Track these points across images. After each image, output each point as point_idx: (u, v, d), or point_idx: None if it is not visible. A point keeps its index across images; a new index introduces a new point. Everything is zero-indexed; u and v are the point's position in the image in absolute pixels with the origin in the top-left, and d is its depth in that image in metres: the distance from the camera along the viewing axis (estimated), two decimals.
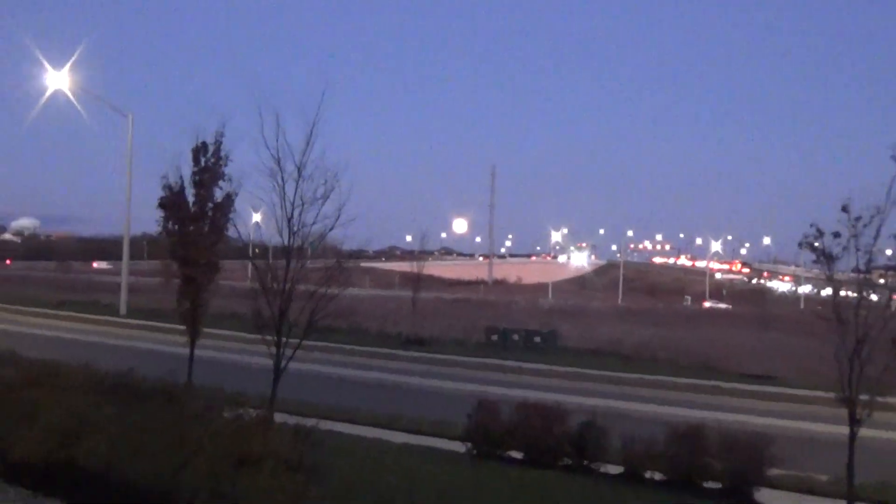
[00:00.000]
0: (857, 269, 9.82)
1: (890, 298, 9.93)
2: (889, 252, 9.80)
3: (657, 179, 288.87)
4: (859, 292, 9.77)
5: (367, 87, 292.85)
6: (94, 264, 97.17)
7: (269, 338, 11.12)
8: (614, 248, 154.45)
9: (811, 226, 10.06)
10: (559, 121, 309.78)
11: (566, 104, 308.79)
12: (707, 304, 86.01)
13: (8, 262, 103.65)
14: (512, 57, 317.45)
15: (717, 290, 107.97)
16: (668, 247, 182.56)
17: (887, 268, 9.95)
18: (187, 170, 13.08)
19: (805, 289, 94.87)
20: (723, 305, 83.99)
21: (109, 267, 59.96)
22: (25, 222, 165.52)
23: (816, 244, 10.03)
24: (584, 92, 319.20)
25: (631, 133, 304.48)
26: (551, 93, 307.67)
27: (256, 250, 17.36)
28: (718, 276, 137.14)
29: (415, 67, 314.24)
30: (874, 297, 9.89)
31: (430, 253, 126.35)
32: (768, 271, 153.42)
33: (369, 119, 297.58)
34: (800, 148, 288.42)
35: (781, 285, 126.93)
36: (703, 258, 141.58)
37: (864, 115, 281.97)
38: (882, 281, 10.12)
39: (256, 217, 14.47)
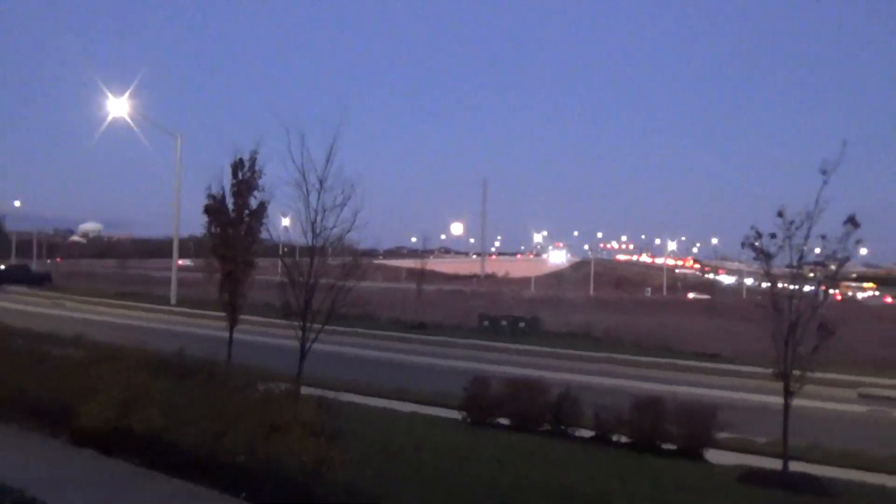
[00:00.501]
0: (790, 265, 9.83)
1: (818, 290, 9.93)
2: (817, 250, 9.82)
3: (623, 188, 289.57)
4: (792, 285, 9.79)
5: (378, 108, 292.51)
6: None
7: (295, 323, 11.11)
8: (586, 247, 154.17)
9: (752, 228, 10.08)
10: (540, 137, 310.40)
11: (546, 123, 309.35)
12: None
13: (58, 259, 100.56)
14: (504, 81, 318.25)
15: (674, 283, 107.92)
16: (631, 246, 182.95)
17: (816, 263, 9.94)
18: (227, 182, 13.06)
19: (748, 281, 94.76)
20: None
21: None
22: (90, 226, 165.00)
23: (756, 244, 10.03)
24: (561, 114, 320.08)
25: (601, 147, 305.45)
26: (535, 113, 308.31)
27: (285, 249, 17.36)
28: (678, 270, 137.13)
29: (419, 90, 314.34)
30: (806, 289, 9.89)
31: (431, 252, 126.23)
32: (716, 267, 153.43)
33: (380, 135, 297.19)
34: (745, 160, 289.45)
35: (727, 278, 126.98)
36: (660, 256, 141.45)
37: (803, 132, 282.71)
38: (812, 275, 10.11)
39: (285, 221, 14.46)
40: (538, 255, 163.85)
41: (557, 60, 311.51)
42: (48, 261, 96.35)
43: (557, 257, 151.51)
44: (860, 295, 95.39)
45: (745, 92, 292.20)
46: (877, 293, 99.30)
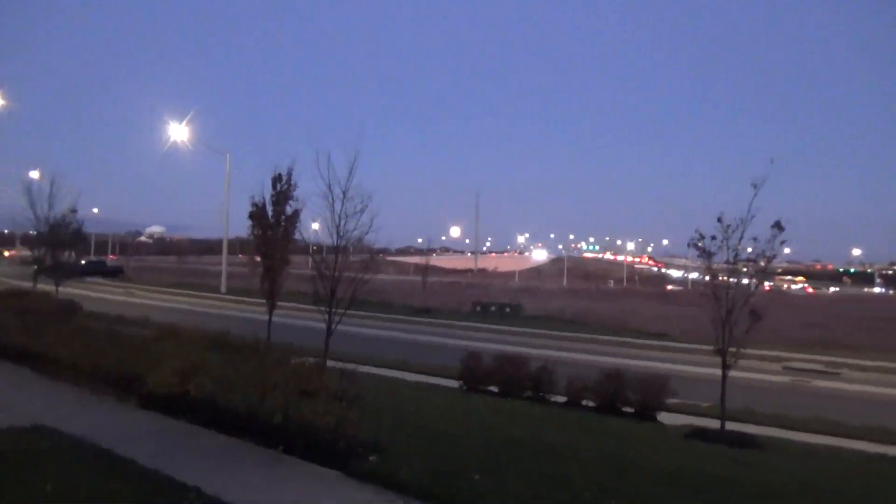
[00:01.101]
0: (727, 262, 9.84)
1: (750, 282, 9.93)
2: (749, 249, 9.83)
3: (591, 197, 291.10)
4: (729, 278, 9.79)
5: (391, 131, 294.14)
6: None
7: (323, 308, 11.09)
8: (560, 246, 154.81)
9: (696, 231, 10.09)
10: (525, 154, 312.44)
11: (528, 143, 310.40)
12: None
13: (112, 256, 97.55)
14: (495, 105, 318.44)
15: (632, 277, 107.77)
16: (597, 246, 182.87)
17: (748, 260, 9.95)
18: (267, 192, 12.99)
19: (693, 275, 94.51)
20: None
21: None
22: (155, 228, 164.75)
23: (700, 244, 10.03)
24: (541, 133, 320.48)
25: (577, 162, 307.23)
26: (520, 135, 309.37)
27: (314, 248, 17.29)
28: (636, 266, 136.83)
29: (424, 117, 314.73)
30: (744, 281, 9.90)
31: (434, 250, 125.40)
32: (666, 263, 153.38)
33: (393, 154, 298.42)
34: (693, 172, 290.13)
35: (676, 272, 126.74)
36: (621, 254, 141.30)
37: (743, 148, 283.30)
38: (745, 270, 10.11)
39: (315, 225, 14.39)
40: (521, 252, 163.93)
41: (540, 88, 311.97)
42: (120, 256, 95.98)
43: (539, 255, 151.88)
44: (793, 287, 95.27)
45: (696, 113, 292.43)
46: (805, 285, 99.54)
